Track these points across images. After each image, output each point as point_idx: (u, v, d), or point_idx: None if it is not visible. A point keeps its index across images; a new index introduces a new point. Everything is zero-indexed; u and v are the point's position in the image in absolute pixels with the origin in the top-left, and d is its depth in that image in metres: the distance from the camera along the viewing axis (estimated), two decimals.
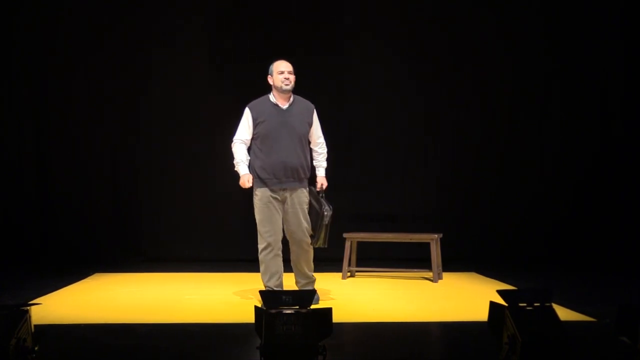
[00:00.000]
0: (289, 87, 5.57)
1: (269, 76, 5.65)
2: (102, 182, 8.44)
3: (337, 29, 8.51)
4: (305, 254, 5.67)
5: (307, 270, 5.71)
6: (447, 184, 8.61)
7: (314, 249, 5.72)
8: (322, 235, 5.61)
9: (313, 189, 5.74)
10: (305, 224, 5.62)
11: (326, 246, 5.73)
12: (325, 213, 5.57)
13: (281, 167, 5.52)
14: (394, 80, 8.59)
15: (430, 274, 7.07)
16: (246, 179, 5.55)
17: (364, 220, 8.17)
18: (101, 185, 8.44)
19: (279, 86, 5.56)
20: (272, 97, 5.63)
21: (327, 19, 8.50)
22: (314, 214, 5.65)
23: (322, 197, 5.69)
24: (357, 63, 8.56)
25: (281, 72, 5.57)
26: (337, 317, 3.74)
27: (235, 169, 5.65)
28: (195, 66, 8.46)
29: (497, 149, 8.62)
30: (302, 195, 5.63)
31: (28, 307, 3.48)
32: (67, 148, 8.36)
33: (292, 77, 5.59)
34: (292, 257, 5.73)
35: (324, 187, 5.77)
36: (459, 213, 8.55)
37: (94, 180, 8.42)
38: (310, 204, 5.67)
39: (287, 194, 5.57)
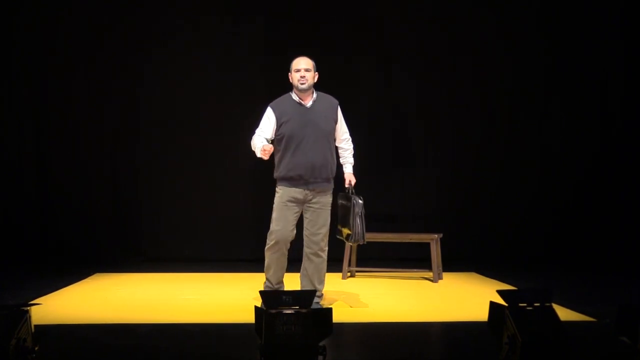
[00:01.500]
0: (304, 87, 5.35)
1: (289, 74, 5.46)
2: (102, 182, 8.43)
3: (337, 29, 8.49)
4: (320, 262, 5.46)
5: (316, 283, 5.47)
6: (447, 184, 8.61)
7: (328, 261, 5.54)
8: (359, 229, 5.35)
9: (341, 193, 5.56)
10: (326, 228, 5.46)
11: (363, 242, 5.50)
12: (355, 204, 5.35)
13: (308, 167, 5.32)
14: (394, 80, 8.58)
15: (430, 274, 7.07)
16: (266, 147, 5.21)
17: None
18: (101, 185, 8.43)
19: (295, 85, 5.39)
20: (294, 95, 5.43)
21: (327, 19, 8.49)
22: (344, 209, 5.45)
23: (352, 193, 5.49)
24: (357, 63, 8.56)
25: (297, 70, 5.36)
26: (337, 317, 3.74)
27: (258, 155, 5.33)
28: (195, 66, 8.45)
29: (497, 149, 8.62)
30: (328, 197, 5.47)
31: (28, 307, 3.48)
32: (67, 148, 8.35)
33: (309, 75, 5.36)
34: (304, 269, 5.50)
35: (352, 183, 5.57)
36: (459, 213, 8.54)
37: (94, 180, 8.41)
38: (340, 204, 5.51)
39: (313, 195, 5.41)
